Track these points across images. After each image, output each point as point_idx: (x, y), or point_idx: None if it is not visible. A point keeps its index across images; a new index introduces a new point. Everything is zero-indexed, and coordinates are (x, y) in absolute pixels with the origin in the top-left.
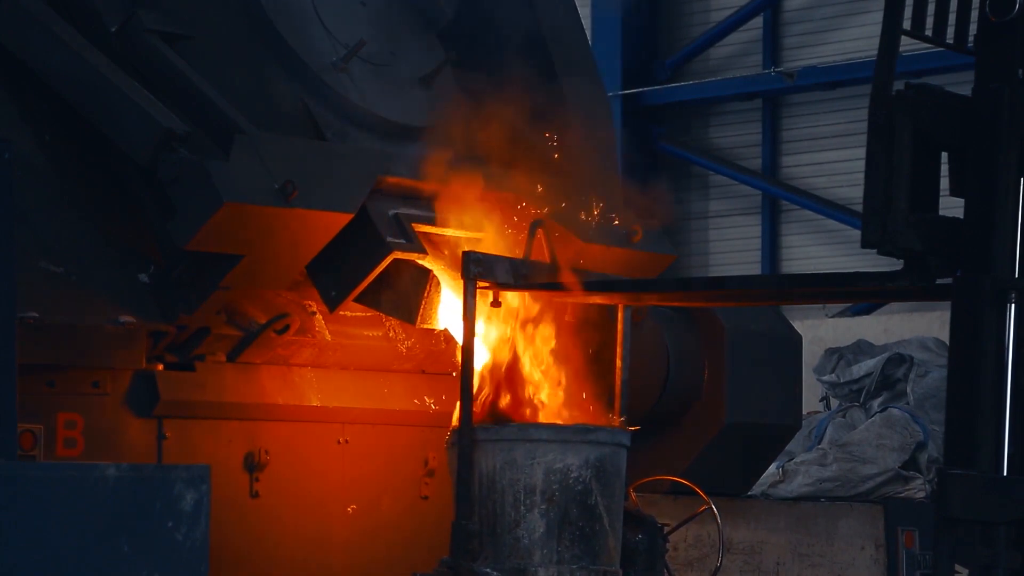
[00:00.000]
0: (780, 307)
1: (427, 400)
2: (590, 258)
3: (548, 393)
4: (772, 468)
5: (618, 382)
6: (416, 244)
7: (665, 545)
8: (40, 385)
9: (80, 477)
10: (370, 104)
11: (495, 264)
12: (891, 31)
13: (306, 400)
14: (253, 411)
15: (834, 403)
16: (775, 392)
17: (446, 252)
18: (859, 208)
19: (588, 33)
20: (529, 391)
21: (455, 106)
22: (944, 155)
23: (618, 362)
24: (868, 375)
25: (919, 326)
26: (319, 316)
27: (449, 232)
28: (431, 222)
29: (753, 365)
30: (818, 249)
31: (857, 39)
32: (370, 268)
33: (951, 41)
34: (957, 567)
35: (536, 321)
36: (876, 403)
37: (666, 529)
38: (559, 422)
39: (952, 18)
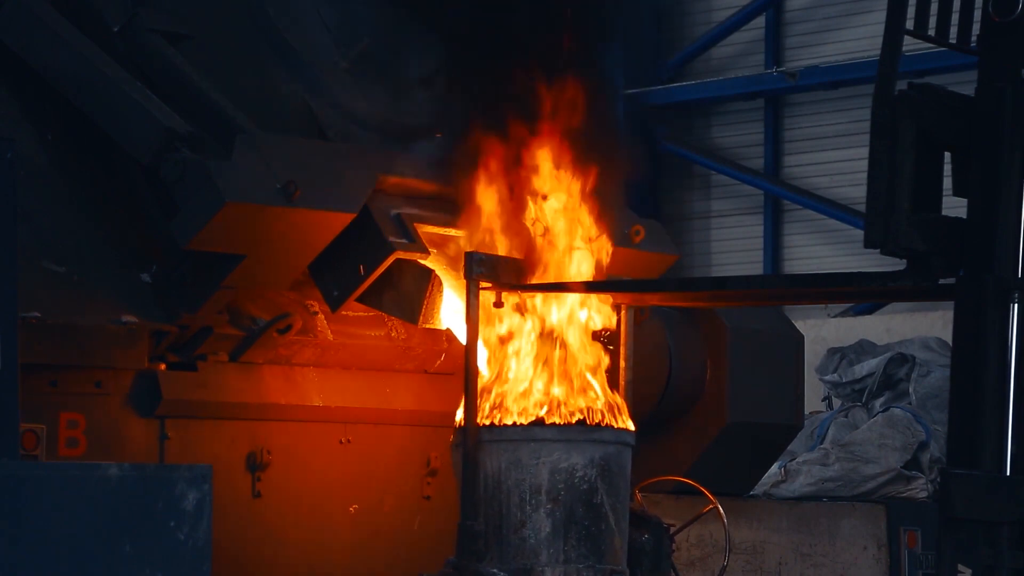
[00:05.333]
0: (782, 307)
1: (429, 400)
2: None
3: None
4: (774, 468)
5: (621, 382)
6: (418, 244)
7: (671, 545)
8: (42, 385)
9: (82, 477)
10: (372, 104)
11: (497, 264)
12: (894, 31)
13: (308, 400)
14: (255, 411)
15: (836, 403)
16: (777, 392)
17: (448, 252)
18: (861, 208)
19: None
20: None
21: (456, 106)
22: (947, 155)
23: (621, 362)
24: (870, 375)
25: (921, 326)
26: (321, 316)
27: (451, 232)
28: (433, 222)
29: (755, 365)
30: (820, 249)
31: (859, 39)
32: (372, 268)
33: (954, 41)
34: (960, 567)
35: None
36: (878, 403)
37: (672, 529)
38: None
39: (955, 18)
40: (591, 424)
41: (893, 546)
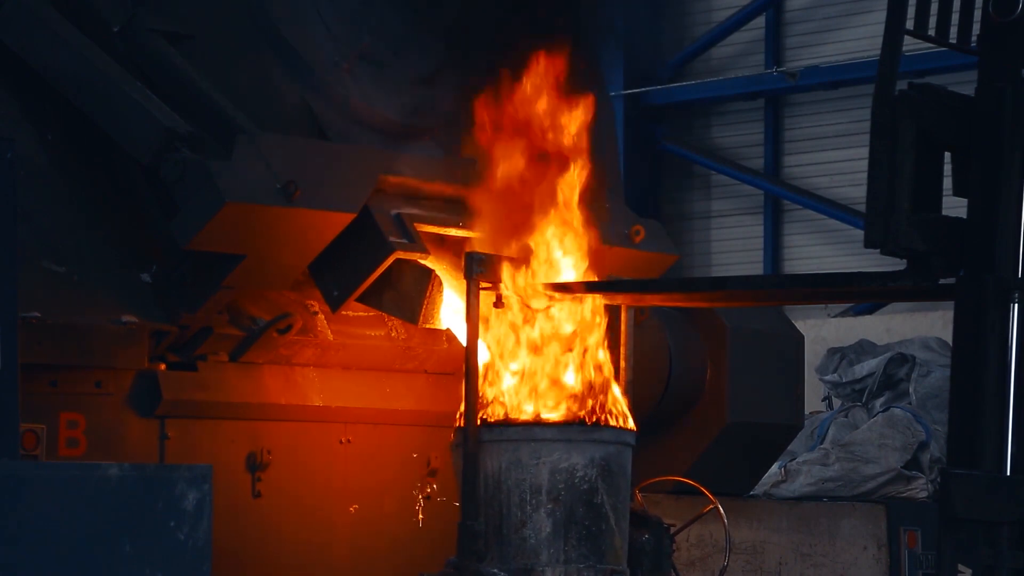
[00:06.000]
0: (782, 307)
1: (429, 400)
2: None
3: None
4: (774, 468)
5: (622, 382)
6: (418, 244)
7: (671, 545)
8: (43, 385)
9: (82, 477)
10: (372, 104)
11: (497, 264)
12: (894, 31)
13: (308, 400)
14: (255, 411)
15: (836, 403)
16: (777, 392)
17: (448, 252)
18: (861, 208)
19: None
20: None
21: (456, 105)
22: (947, 155)
23: (622, 363)
24: (870, 375)
25: (921, 326)
26: (321, 316)
27: (451, 232)
28: (433, 222)
29: (755, 365)
30: (820, 249)
31: (859, 39)
32: (372, 268)
33: (954, 41)
34: (960, 567)
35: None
36: (878, 403)
37: (672, 529)
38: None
39: (955, 18)
40: (591, 424)
41: (893, 546)
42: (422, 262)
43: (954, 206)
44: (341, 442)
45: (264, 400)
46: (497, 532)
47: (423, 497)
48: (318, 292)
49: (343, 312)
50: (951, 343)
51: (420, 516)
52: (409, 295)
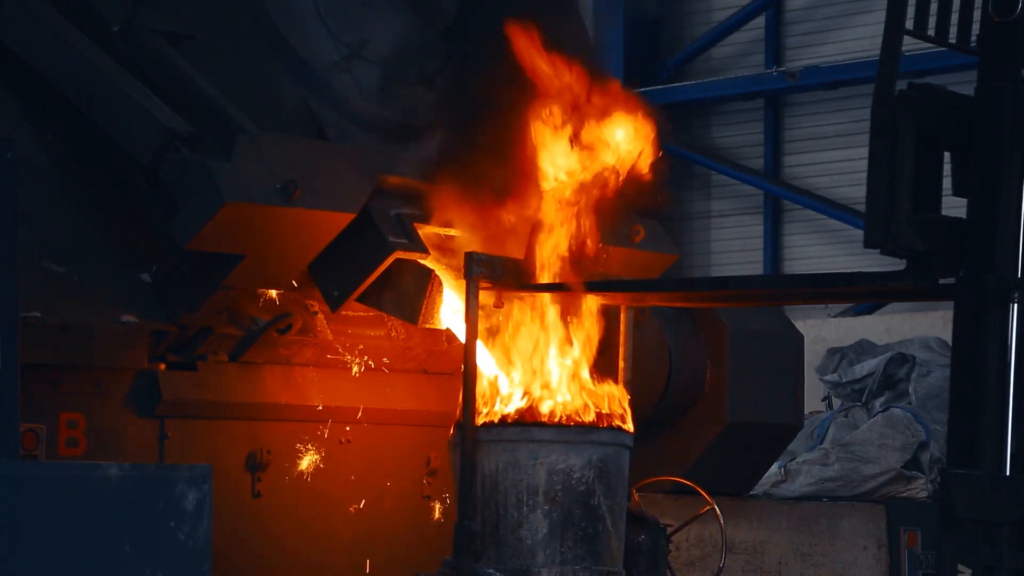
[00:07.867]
0: (782, 307)
1: (429, 400)
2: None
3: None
4: (774, 468)
5: (621, 382)
6: (418, 244)
7: (668, 546)
8: (42, 385)
9: (82, 477)
10: (372, 103)
11: (497, 264)
12: (894, 31)
13: (308, 400)
14: (255, 411)
15: (836, 403)
16: (777, 392)
17: (448, 252)
18: (861, 208)
19: (589, 33)
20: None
21: (457, 105)
22: (947, 155)
23: (621, 363)
24: (870, 375)
25: (921, 326)
26: (321, 316)
27: (451, 232)
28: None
29: (755, 365)
30: (820, 249)
31: (859, 39)
32: (372, 268)
33: (954, 41)
34: (960, 567)
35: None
36: (878, 403)
37: (669, 530)
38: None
39: (955, 18)
40: (589, 425)
41: (893, 546)
42: (422, 262)
43: (954, 206)
44: (341, 442)
45: (264, 400)
46: (494, 532)
47: (423, 497)
48: (318, 292)
49: (343, 312)
50: (951, 343)
51: (419, 516)
52: (409, 295)
